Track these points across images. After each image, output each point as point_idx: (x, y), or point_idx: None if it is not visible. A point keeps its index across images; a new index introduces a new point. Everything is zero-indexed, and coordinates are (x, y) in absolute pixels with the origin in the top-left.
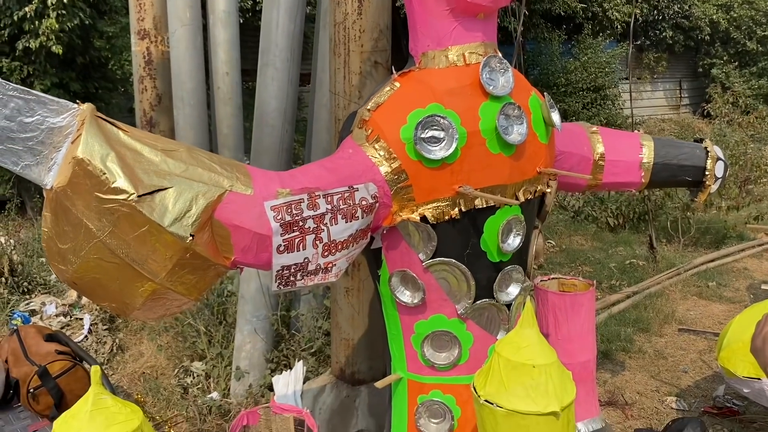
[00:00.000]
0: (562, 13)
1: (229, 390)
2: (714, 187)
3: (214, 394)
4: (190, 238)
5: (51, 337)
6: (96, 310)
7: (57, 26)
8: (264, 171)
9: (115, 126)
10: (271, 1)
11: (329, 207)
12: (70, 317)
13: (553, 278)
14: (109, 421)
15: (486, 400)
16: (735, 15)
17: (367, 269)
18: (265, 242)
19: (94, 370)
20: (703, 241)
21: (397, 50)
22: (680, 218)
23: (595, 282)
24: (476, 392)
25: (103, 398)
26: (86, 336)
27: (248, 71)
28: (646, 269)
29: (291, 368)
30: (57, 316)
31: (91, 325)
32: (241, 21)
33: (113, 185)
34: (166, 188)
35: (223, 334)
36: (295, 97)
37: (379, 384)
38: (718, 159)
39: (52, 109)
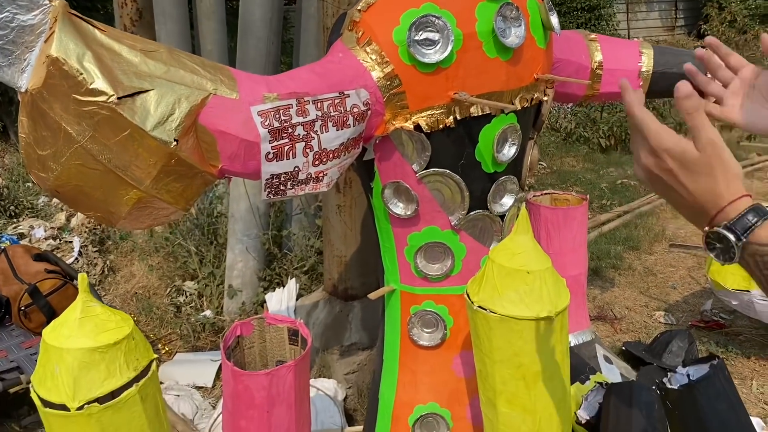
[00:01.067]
0: None
1: (221, 308)
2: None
3: (207, 312)
4: (174, 143)
5: (39, 256)
6: (85, 232)
7: None
8: (249, 74)
9: (91, 24)
10: None
11: (319, 114)
12: (60, 240)
13: (545, 194)
14: (100, 329)
15: (479, 307)
16: None
17: (359, 186)
18: (252, 149)
19: (82, 278)
20: None
21: None
22: None
23: (588, 196)
24: (470, 299)
25: (92, 306)
26: (77, 258)
27: None
28: (637, 189)
29: (284, 286)
30: (46, 239)
31: (81, 247)
32: None
33: (91, 86)
34: (147, 90)
35: (214, 254)
36: (280, 7)
37: (372, 295)
38: None
39: (22, 6)
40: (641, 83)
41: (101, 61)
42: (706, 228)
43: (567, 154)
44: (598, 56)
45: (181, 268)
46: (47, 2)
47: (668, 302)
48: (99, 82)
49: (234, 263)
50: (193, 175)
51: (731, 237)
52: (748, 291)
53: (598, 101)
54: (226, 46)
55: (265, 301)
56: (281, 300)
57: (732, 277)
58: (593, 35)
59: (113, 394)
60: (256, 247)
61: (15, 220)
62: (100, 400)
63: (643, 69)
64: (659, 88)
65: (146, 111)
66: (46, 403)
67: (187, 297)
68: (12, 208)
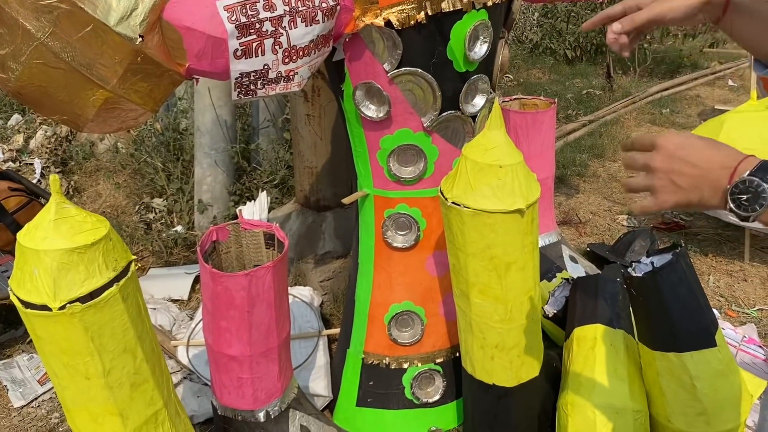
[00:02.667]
0: None
1: (193, 223)
2: None
3: (179, 228)
4: (140, 39)
5: (1, 175)
6: (46, 153)
7: None
8: None
9: None
10: None
11: (287, 8)
12: (20, 163)
13: (514, 98)
14: (75, 230)
15: (453, 202)
16: None
17: (328, 95)
18: (220, 46)
19: (53, 179)
20: (659, 70)
21: None
22: (637, 48)
23: (556, 100)
24: (443, 196)
25: (66, 207)
26: (39, 180)
27: None
28: (602, 99)
29: (254, 199)
30: (5, 162)
31: (42, 168)
32: None
33: None
34: None
35: (181, 170)
36: None
37: (345, 200)
38: None
39: None
40: None
41: None
42: (728, 186)
43: (533, 66)
44: None
45: (148, 185)
46: None
47: (631, 206)
48: None
49: (203, 178)
50: (161, 74)
51: (756, 179)
52: None
53: (567, 0)
54: None
55: (237, 215)
56: (253, 213)
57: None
58: None
59: (94, 294)
60: (224, 161)
61: None
62: (81, 300)
63: None
64: None
65: (108, 5)
66: (27, 305)
67: (156, 214)
68: None
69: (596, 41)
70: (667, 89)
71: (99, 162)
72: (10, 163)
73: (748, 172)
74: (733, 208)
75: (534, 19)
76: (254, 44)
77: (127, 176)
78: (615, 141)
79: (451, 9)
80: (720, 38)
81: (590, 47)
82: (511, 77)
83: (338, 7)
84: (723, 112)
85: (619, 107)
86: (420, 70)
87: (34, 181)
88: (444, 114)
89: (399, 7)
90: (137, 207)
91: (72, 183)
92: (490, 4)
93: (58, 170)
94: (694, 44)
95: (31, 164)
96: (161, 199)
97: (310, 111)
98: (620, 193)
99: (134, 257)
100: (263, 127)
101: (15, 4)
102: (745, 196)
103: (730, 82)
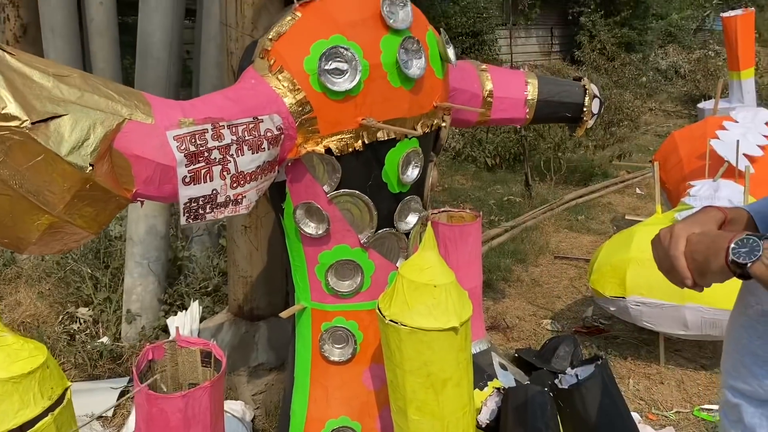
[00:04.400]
0: None
1: (119, 334)
2: (590, 123)
3: (104, 339)
4: (90, 168)
5: None
6: None
7: None
8: (164, 100)
9: (1, 48)
10: None
11: (234, 138)
12: None
13: (443, 211)
14: (12, 358)
15: (391, 320)
16: None
17: (265, 206)
18: (168, 173)
19: None
20: (573, 178)
21: None
22: (552, 158)
23: (481, 213)
24: (381, 313)
25: (3, 335)
26: None
27: (125, 3)
28: (522, 205)
29: (186, 309)
30: None
31: None
32: None
33: (3, 111)
34: (61, 115)
35: (110, 279)
36: (180, 30)
37: (283, 314)
38: (595, 96)
39: None
40: (527, 110)
41: (12, 85)
42: (731, 245)
43: (456, 172)
44: (489, 85)
45: (74, 294)
46: None
47: (554, 310)
48: (12, 107)
49: (132, 287)
50: (107, 200)
51: (751, 237)
52: (623, 297)
53: (490, 125)
54: (119, 65)
55: (167, 326)
56: (184, 323)
57: (610, 285)
58: (484, 66)
59: (26, 427)
60: (156, 270)
61: None
62: (15, 431)
63: (529, 97)
64: (543, 115)
65: (60, 136)
66: None
67: (81, 324)
68: None
69: (514, 150)
70: (581, 196)
71: (20, 269)
72: None
73: (744, 234)
74: (734, 259)
75: (456, 128)
76: (203, 171)
77: (51, 284)
78: (536, 246)
79: (386, 138)
80: (627, 150)
81: (509, 156)
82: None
83: (282, 136)
84: (632, 221)
85: (538, 213)
86: (357, 192)
87: None
88: (380, 231)
89: (338, 136)
90: (60, 317)
91: None
92: (420, 133)
93: None
94: (604, 155)
95: None
96: (87, 309)
97: (248, 222)
98: (543, 298)
99: (70, 383)
100: (198, 235)
101: None
102: (743, 250)
103: (638, 191)
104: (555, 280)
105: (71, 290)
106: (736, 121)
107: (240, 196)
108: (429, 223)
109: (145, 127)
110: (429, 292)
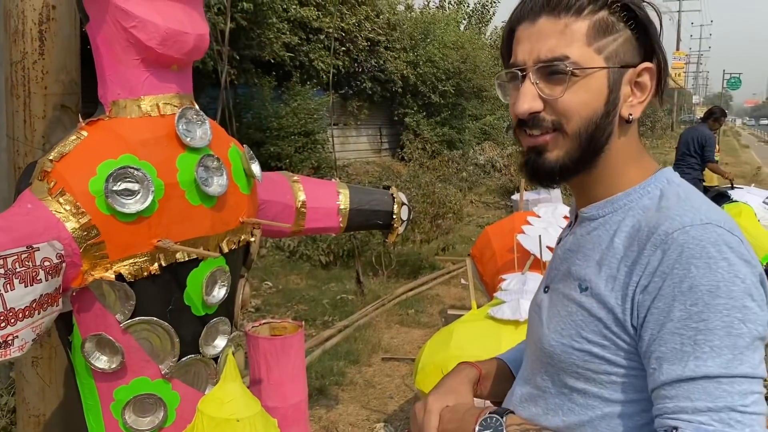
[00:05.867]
0: (272, 60)
1: None
2: (401, 229)
3: None
4: None
5: None
6: None
7: None
8: None
9: None
10: None
11: (2, 271)
12: None
13: (264, 323)
14: None
15: None
16: (421, 71)
17: (57, 335)
18: None
19: None
20: (403, 272)
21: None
22: (382, 253)
23: (303, 323)
24: None
25: None
26: None
27: None
28: (355, 303)
29: None
30: None
31: None
32: None
33: None
34: None
35: None
36: None
37: None
38: (403, 204)
39: None
40: (341, 219)
41: None
42: (476, 427)
43: (291, 272)
44: (302, 196)
45: None
46: None
47: (387, 412)
48: None
49: None
50: None
51: (494, 416)
52: None
53: (305, 234)
54: None
55: None
56: None
57: (433, 384)
58: (296, 176)
59: None
60: None
61: None
62: None
63: (342, 207)
64: (356, 223)
65: None
66: None
67: None
68: None
69: (347, 246)
70: (411, 290)
71: None
72: None
73: (488, 412)
74: None
75: None
76: None
77: None
78: (369, 345)
79: (187, 258)
80: (451, 241)
81: (342, 252)
82: (270, 284)
83: (64, 264)
84: (456, 315)
85: (371, 310)
86: (155, 319)
87: None
88: (184, 359)
89: (131, 260)
90: None
91: None
92: (226, 250)
93: None
94: (431, 247)
95: None
96: None
97: (38, 353)
98: (376, 399)
99: None
100: None
101: None
102: (488, 431)
103: (463, 281)
104: (388, 380)
105: None
106: (539, 216)
107: (10, 337)
108: (230, 351)
109: None
110: (231, 427)
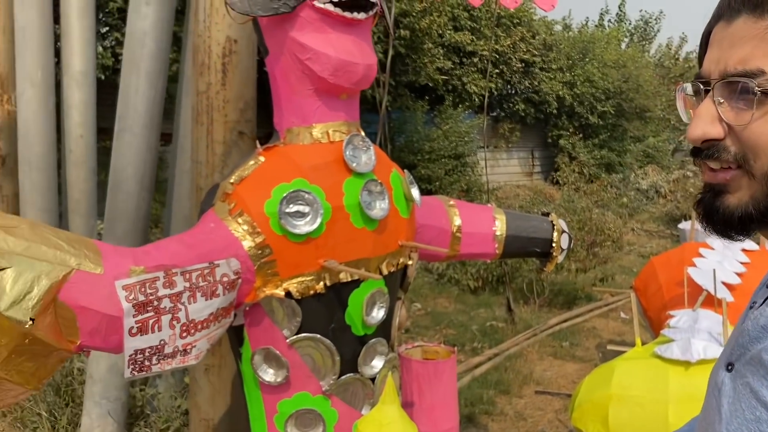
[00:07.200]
0: (426, 85)
1: None
2: (560, 258)
3: None
4: (30, 322)
5: None
6: None
7: None
8: (116, 248)
9: None
10: (131, 65)
11: (187, 285)
12: None
13: (416, 346)
14: None
15: None
16: (578, 92)
17: (228, 345)
18: (115, 324)
19: None
20: (556, 301)
21: (267, 121)
22: (535, 280)
23: (456, 348)
24: None
25: None
26: None
27: (105, 129)
28: (505, 331)
29: None
30: None
31: None
32: (102, 78)
33: None
34: (3, 269)
35: (69, 418)
36: (154, 163)
37: None
38: (563, 231)
39: None
40: (497, 246)
41: None
42: None
43: (440, 294)
44: (457, 221)
45: None
46: None
47: None
48: None
49: (90, 429)
50: (48, 354)
51: None
52: None
53: (460, 260)
54: (95, 195)
55: None
56: None
57: (592, 424)
58: (452, 201)
59: None
60: (116, 411)
61: None
62: None
63: (498, 233)
64: (512, 250)
65: (1, 290)
66: None
67: None
68: None
69: (496, 273)
70: (565, 321)
71: None
72: None
73: None
74: None
75: None
76: (151, 321)
77: (6, 425)
78: (520, 376)
79: (349, 279)
80: (610, 272)
81: (491, 278)
82: (419, 305)
83: (239, 280)
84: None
85: (522, 339)
86: (319, 336)
87: None
88: (343, 377)
89: (299, 279)
90: None
91: None
92: (385, 272)
93: None
94: (587, 277)
95: None
96: None
97: (210, 362)
98: None
99: None
100: None
101: None
102: None
103: (622, 314)
104: (540, 413)
105: (27, 431)
106: (713, 248)
107: (189, 346)
108: (390, 374)
109: (93, 277)
110: None
